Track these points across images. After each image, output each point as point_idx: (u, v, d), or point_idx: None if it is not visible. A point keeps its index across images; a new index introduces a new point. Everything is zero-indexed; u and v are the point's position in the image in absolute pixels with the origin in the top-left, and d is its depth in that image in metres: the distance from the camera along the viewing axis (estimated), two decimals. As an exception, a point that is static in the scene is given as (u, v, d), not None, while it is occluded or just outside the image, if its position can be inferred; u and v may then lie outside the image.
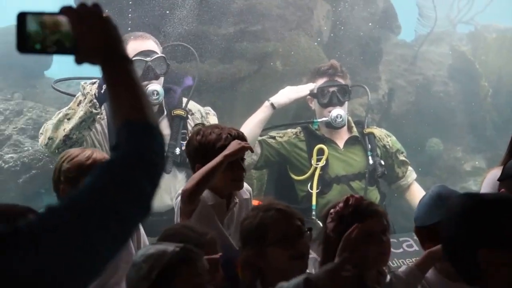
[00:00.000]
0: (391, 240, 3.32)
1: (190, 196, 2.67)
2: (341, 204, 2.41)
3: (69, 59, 1.52)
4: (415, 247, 3.37)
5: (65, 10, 1.47)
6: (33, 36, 1.46)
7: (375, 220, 2.36)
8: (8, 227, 1.22)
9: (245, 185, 3.08)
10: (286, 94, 4.33)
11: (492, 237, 1.79)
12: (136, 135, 1.43)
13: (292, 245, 2.27)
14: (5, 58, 6.79)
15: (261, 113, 4.25)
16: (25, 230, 1.22)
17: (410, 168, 4.55)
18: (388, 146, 4.44)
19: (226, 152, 2.70)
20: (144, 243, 2.88)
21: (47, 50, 1.48)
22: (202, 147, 2.84)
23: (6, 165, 5.44)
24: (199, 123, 3.61)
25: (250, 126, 4.14)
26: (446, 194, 2.48)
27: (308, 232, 2.36)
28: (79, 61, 1.50)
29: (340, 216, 2.38)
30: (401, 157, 4.49)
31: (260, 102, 4.33)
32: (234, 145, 2.74)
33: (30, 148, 5.54)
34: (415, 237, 3.46)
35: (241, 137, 2.88)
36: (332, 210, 2.43)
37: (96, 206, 1.29)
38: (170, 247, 1.93)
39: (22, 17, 1.47)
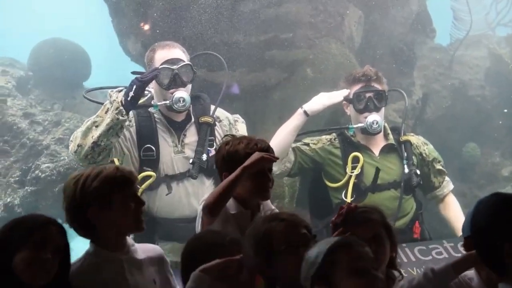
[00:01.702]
0: (420, 247, 3.36)
1: (211, 210, 2.72)
2: (336, 214, 2.56)
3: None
4: (445, 254, 3.33)
5: None
6: None
7: (362, 228, 2.47)
8: None
9: None
10: (320, 101, 4.27)
11: None
12: None
13: (298, 252, 2.32)
14: (46, 70, 6.97)
15: (295, 120, 4.19)
16: None
17: (447, 178, 4.41)
18: (424, 154, 4.31)
19: (245, 163, 2.72)
20: None
21: None
22: (229, 156, 2.85)
23: (43, 175, 5.56)
24: (230, 134, 3.61)
25: (283, 134, 4.11)
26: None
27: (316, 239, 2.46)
28: None
29: (334, 225, 2.55)
30: (438, 166, 4.36)
31: (291, 109, 4.30)
32: (254, 156, 2.74)
33: (66, 158, 5.65)
34: (445, 244, 3.44)
35: (267, 149, 2.87)
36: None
37: None
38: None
39: None
